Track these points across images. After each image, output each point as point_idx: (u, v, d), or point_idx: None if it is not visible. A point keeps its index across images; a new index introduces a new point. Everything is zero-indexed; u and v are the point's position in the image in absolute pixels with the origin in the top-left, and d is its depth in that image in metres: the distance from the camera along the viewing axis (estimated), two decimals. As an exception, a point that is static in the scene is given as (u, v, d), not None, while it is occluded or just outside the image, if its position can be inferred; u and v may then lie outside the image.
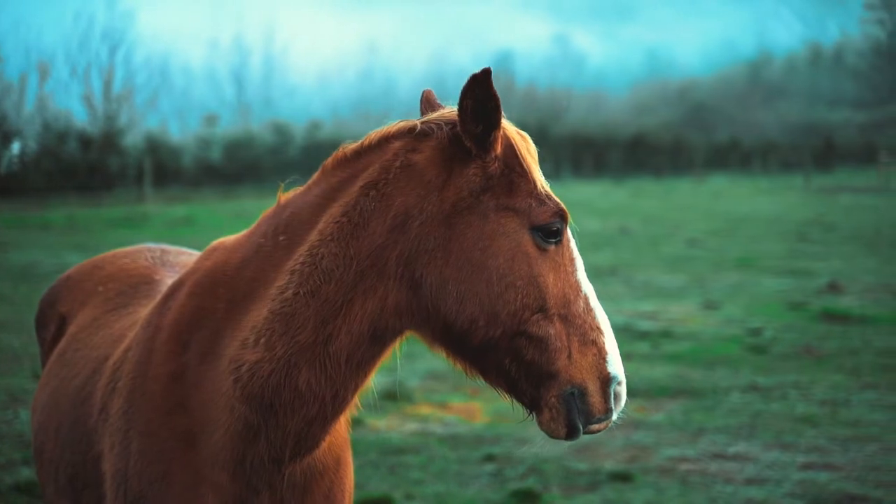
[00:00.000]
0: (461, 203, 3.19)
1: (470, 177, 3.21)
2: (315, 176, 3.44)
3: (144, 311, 3.97)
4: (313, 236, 3.27)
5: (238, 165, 63.91)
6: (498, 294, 3.15)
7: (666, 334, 14.99)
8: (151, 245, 4.89)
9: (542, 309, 3.17)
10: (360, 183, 3.27)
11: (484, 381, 3.33)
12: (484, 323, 3.16)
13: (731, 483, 8.50)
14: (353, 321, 3.22)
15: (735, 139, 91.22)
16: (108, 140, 58.81)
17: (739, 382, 12.00)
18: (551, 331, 3.17)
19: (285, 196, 3.49)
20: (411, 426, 10.21)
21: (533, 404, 3.24)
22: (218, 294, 3.41)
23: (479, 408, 10.94)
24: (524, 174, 3.25)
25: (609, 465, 8.95)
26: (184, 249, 4.90)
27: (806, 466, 8.90)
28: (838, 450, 9.35)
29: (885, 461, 8.98)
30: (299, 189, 3.48)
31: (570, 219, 3.30)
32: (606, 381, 3.21)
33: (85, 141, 57.27)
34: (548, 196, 3.26)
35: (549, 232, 3.21)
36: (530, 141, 3.38)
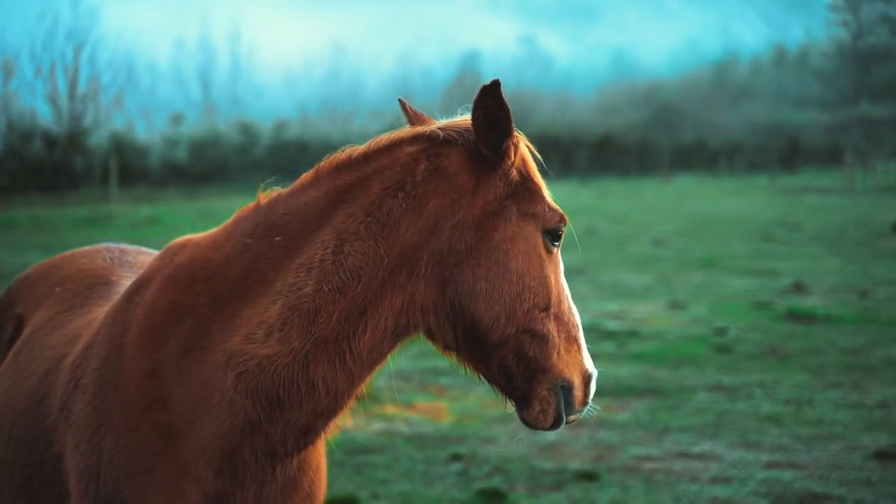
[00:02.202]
0: (489, 207, 3.37)
1: (496, 182, 3.39)
2: (308, 177, 3.50)
3: (100, 310, 3.96)
4: (327, 234, 3.34)
5: (204, 165, 63.55)
6: (517, 293, 3.35)
7: (632, 334, 15.04)
8: (110, 245, 4.83)
9: (547, 308, 3.40)
10: (378, 185, 3.37)
11: (485, 378, 3.51)
12: (504, 320, 3.35)
13: (695, 482, 8.53)
14: (379, 317, 3.34)
15: (701, 140, 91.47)
16: (73, 139, 58.33)
17: (705, 382, 12.05)
18: (550, 328, 3.40)
19: (266, 196, 3.54)
20: (377, 426, 10.19)
21: (524, 398, 3.43)
22: (197, 290, 3.43)
23: (445, 407, 10.94)
24: (536, 181, 3.47)
25: (575, 464, 8.96)
26: (143, 249, 4.86)
27: (770, 465, 8.94)
28: (802, 448, 9.40)
29: (847, 460, 9.03)
30: (282, 190, 3.53)
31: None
32: (587, 376, 3.47)
33: (50, 140, 56.76)
34: (553, 203, 3.50)
35: (556, 235, 3.47)
36: (534, 150, 3.58)
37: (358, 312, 3.32)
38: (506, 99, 3.30)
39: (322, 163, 3.49)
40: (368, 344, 3.34)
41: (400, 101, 3.77)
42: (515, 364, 3.38)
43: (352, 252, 3.31)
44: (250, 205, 3.55)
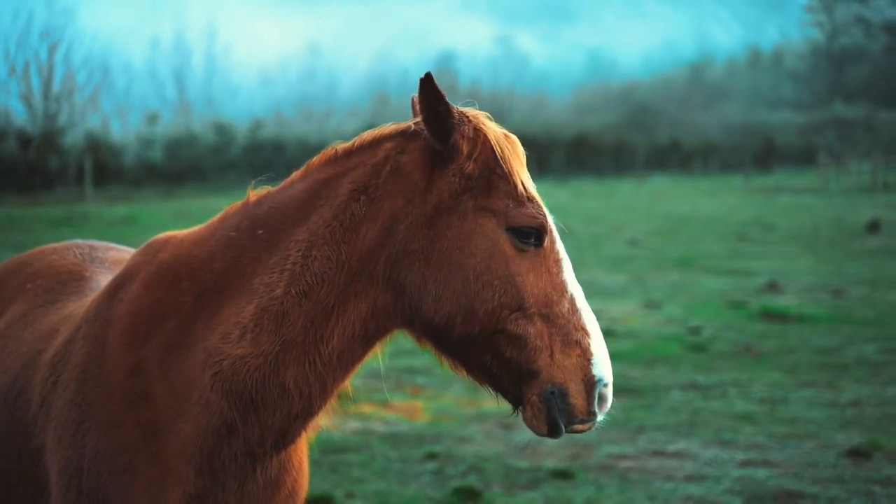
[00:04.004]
0: (442, 204, 3.27)
1: (449, 178, 3.29)
2: (298, 173, 3.51)
3: (75, 306, 3.94)
4: (301, 234, 3.33)
5: (180, 165, 63.36)
6: (475, 292, 3.23)
7: (607, 333, 14.68)
8: (79, 241, 4.80)
9: (521, 308, 3.24)
10: (348, 184, 3.34)
11: (469, 378, 3.42)
12: (461, 320, 3.24)
13: (670, 480, 8.55)
14: (345, 323, 3.31)
15: (676, 140, 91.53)
16: (48, 139, 58.08)
17: (679, 381, 12.08)
18: (531, 330, 3.23)
19: (255, 193, 3.54)
20: (353, 425, 10.17)
21: (516, 401, 3.33)
22: (182, 287, 3.42)
23: (421, 406, 10.93)
24: (504, 176, 3.31)
25: (550, 462, 8.97)
26: (113, 245, 4.83)
27: (744, 463, 8.97)
28: (776, 447, 9.44)
29: (821, 458, 9.08)
30: (272, 188, 3.53)
31: (549, 223, 3.34)
32: (591, 383, 3.27)
33: (24, 140, 56.49)
34: (529, 199, 3.33)
35: (523, 234, 3.28)
36: (517, 143, 3.43)
37: (322, 317, 3.29)
38: (442, 90, 3.21)
39: (313, 159, 3.49)
40: (337, 348, 3.32)
41: (413, 98, 3.63)
42: (497, 366, 3.28)
43: (318, 256, 3.30)
44: (238, 202, 3.55)
